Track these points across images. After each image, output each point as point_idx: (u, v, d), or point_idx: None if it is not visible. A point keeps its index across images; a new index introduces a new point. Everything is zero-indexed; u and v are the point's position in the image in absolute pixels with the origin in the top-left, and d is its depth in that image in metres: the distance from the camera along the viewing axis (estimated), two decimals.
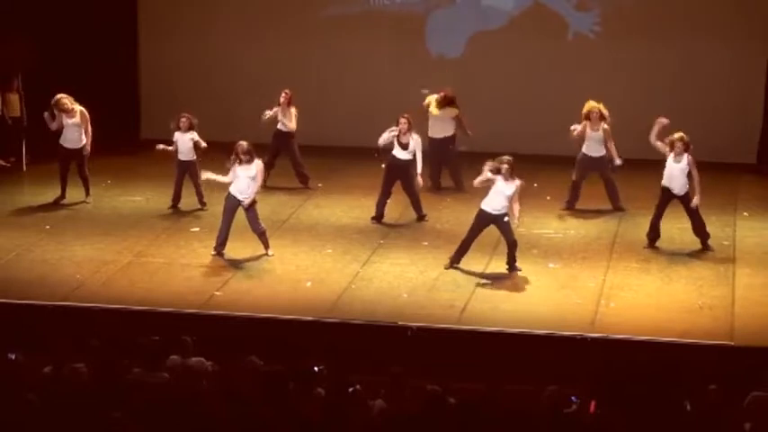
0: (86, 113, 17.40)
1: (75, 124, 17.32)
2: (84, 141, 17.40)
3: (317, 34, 20.34)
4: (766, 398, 10.83)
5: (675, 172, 15.51)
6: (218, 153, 17.71)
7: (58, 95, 17.34)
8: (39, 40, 19.61)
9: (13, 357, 11.50)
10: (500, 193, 14.85)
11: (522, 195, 17.43)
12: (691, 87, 19.61)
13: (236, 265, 15.28)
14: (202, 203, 17.22)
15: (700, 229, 15.71)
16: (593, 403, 10.65)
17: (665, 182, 15.64)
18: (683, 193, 15.61)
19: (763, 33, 19.34)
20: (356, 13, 20.39)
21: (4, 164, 19.35)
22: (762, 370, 11.56)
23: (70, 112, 17.29)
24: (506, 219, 14.94)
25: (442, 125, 18.04)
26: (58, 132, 17.35)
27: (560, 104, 19.83)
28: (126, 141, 20.22)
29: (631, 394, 10.41)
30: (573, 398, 10.69)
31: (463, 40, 20.22)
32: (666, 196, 15.67)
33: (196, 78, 20.67)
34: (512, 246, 15.00)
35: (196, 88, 20.59)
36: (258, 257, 15.43)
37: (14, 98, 19.33)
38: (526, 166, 18.78)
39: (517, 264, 15.04)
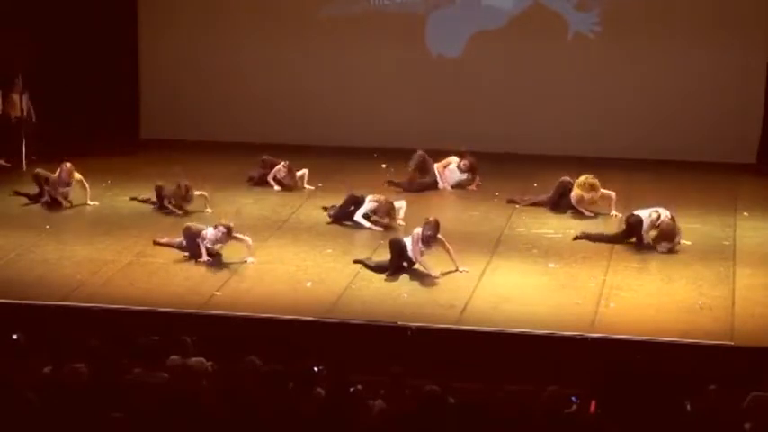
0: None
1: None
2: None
3: (316, 33, 20.31)
4: (766, 398, 10.81)
5: None
6: (219, 153, 17.78)
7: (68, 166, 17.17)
8: (39, 40, 19.60)
9: (16, 338, 11.60)
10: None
11: (521, 195, 17.53)
12: (691, 87, 19.57)
13: (235, 265, 15.27)
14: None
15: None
16: (593, 403, 10.65)
17: None
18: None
19: (763, 33, 19.31)
20: (356, 12, 20.37)
21: (4, 164, 19.35)
22: (762, 370, 11.58)
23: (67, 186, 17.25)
24: None
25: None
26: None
27: (560, 105, 19.87)
28: (126, 141, 20.22)
29: (632, 394, 10.40)
30: (573, 398, 10.68)
31: (463, 40, 20.19)
32: None
33: (196, 78, 20.64)
34: None
35: (196, 88, 20.58)
36: (258, 258, 15.41)
37: (16, 97, 19.33)
38: (526, 166, 18.88)
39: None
